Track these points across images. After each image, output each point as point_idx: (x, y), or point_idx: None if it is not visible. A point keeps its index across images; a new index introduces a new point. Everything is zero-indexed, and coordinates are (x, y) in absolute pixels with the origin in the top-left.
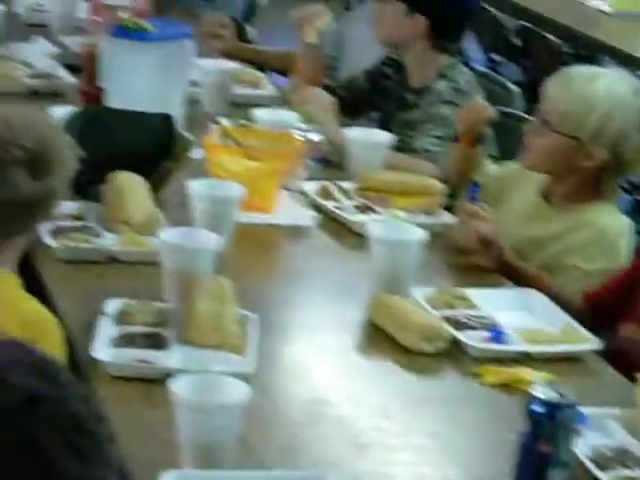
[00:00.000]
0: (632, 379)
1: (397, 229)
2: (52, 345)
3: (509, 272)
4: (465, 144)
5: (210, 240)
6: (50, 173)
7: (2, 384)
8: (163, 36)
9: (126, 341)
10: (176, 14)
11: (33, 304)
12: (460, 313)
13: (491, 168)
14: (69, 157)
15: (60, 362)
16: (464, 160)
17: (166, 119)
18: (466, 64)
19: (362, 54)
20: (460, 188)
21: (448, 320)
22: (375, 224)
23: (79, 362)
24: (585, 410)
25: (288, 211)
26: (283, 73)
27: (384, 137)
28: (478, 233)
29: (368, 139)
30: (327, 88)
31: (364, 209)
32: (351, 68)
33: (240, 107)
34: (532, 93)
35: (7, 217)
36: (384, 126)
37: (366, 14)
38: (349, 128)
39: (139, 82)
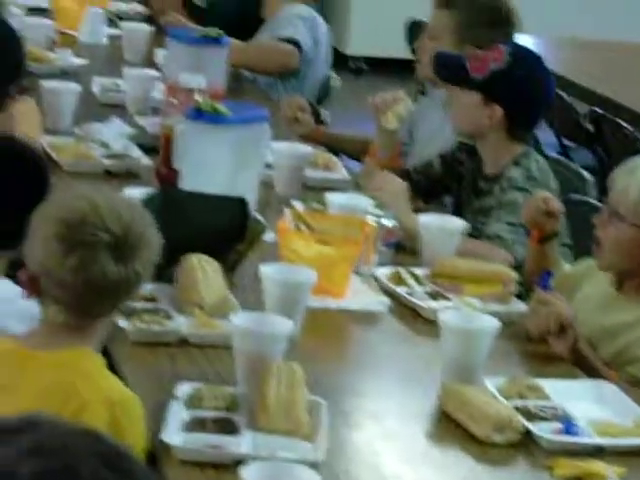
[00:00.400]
0: None
1: (469, 317)
2: (135, 424)
3: (581, 361)
4: (533, 241)
5: (281, 325)
6: (135, 257)
7: (71, 473)
8: (239, 119)
9: (196, 426)
10: (251, 97)
11: (117, 384)
12: (532, 404)
13: (565, 267)
14: (154, 242)
15: (135, 453)
16: (535, 256)
17: (240, 203)
18: (539, 151)
19: (433, 138)
20: (532, 277)
21: (519, 410)
22: (447, 311)
23: (150, 445)
24: None
25: (359, 296)
26: (357, 158)
27: (457, 223)
28: (555, 316)
29: (441, 225)
30: (401, 173)
31: (436, 295)
32: (422, 152)
33: (313, 190)
34: (604, 180)
35: (93, 299)
36: (457, 212)
37: (438, 98)
38: (422, 214)
39: (214, 164)
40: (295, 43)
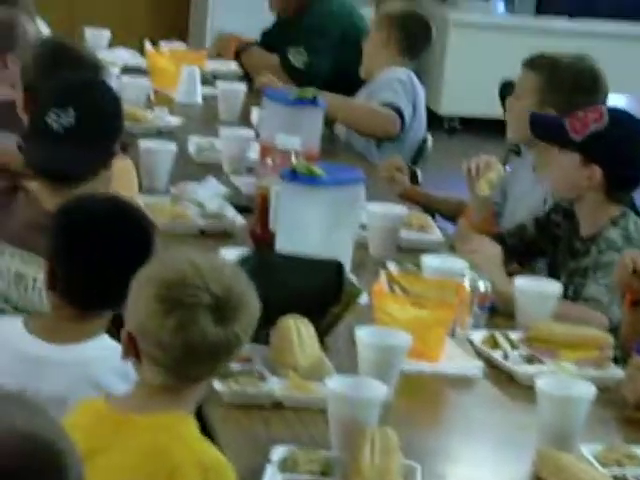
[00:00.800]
0: None
1: (565, 382)
2: None
3: None
4: (627, 304)
5: (376, 389)
6: (235, 319)
7: None
8: (334, 181)
9: None
10: (346, 158)
11: (211, 449)
12: (630, 472)
13: None
14: (254, 304)
15: None
16: (630, 320)
17: (336, 265)
18: (637, 212)
19: (525, 198)
20: (629, 341)
21: (617, 479)
22: (542, 377)
23: None
24: None
25: (454, 360)
26: (451, 219)
27: (553, 287)
28: None
29: (537, 288)
30: (495, 236)
31: (531, 360)
32: (515, 212)
33: (408, 251)
34: None
35: (192, 362)
36: (552, 274)
37: (529, 159)
38: (517, 277)
39: (309, 226)
40: (397, 110)
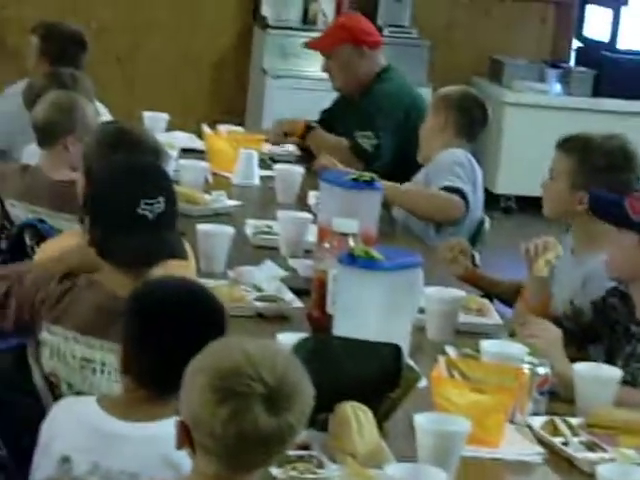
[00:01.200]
0: None
1: (626, 470)
2: None
3: None
4: None
5: (436, 476)
6: (288, 409)
7: None
8: (392, 265)
9: None
10: (404, 241)
11: None
12: None
13: None
14: (307, 393)
15: None
16: None
17: (394, 350)
18: None
19: (565, 281)
20: None
21: None
22: (603, 464)
23: None
24: None
25: (514, 446)
26: (509, 302)
27: (612, 372)
28: None
29: (596, 374)
30: (552, 319)
31: (592, 446)
32: (556, 295)
33: (466, 335)
34: None
35: (245, 451)
36: (609, 358)
37: (569, 241)
38: (576, 362)
39: (367, 310)
40: (460, 193)
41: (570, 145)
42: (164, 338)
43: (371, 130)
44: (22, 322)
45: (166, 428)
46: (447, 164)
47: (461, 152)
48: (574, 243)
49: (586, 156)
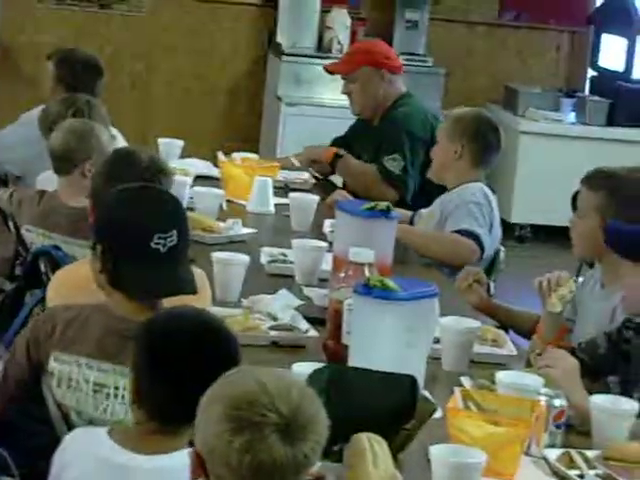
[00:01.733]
0: None
1: None
2: None
3: None
4: None
5: None
6: (303, 439)
7: None
8: (408, 295)
9: None
10: (418, 270)
11: None
12: None
13: None
14: (323, 424)
15: None
16: None
17: (410, 381)
18: None
19: (594, 314)
20: None
21: None
22: None
23: None
24: None
25: (529, 478)
26: (524, 334)
27: (629, 405)
28: None
29: (612, 406)
30: (567, 351)
31: (608, 479)
32: (585, 329)
33: (481, 365)
34: None
35: None
36: (624, 390)
37: (598, 273)
38: (592, 394)
39: (382, 340)
40: (476, 237)
41: (596, 181)
42: (175, 372)
43: (398, 152)
44: (34, 364)
45: (179, 460)
46: (464, 204)
47: (479, 189)
48: (603, 277)
49: (614, 189)
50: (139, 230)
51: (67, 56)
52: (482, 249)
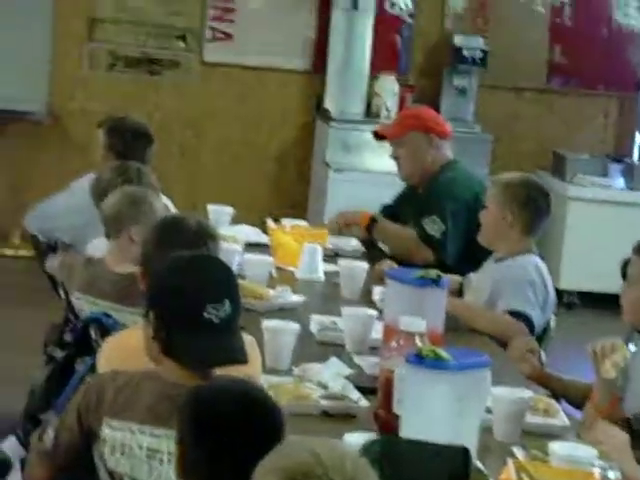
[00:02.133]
0: None
1: None
2: None
3: None
4: None
5: None
6: None
7: None
8: (460, 365)
9: None
10: (470, 338)
11: None
12: None
13: None
14: None
15: None
16: None
17: (462, 452)
18: None
19: None
20: None
21: None
22: None
23: None
24: None
25: None
26: (577, 404)
27: None
28: None
29: None
30: (621, 421)
31: None
32: (637, 398)
33: (533, 436)
34: None
35: None
36: None
37: None
38: None
39: (435, 410)
40: (527, 319)
41: None
42: (220, 444)
43: (438, 215)
44: (85, 430)
45: None
46: (518, 283)
47: (533, 265)
48: None
49: None
50: (192, 300)
51: (117, 125)
52: (532, 330)
